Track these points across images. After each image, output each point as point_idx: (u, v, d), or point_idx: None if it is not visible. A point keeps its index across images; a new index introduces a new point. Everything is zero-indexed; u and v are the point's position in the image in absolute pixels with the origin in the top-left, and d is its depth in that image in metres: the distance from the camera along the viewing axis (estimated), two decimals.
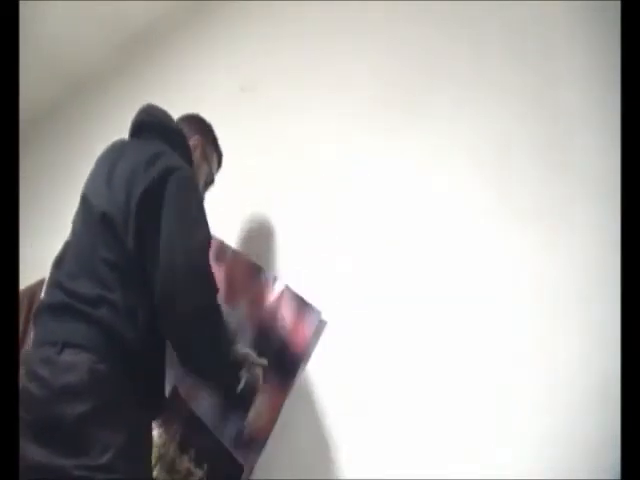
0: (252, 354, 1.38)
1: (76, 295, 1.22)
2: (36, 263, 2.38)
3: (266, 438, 1.35)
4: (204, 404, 1.52)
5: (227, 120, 2.05)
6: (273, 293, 1.53)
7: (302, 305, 1.43)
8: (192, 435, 1.52)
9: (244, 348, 1.39)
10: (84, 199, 1.40)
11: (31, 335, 1.28)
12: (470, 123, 1.36)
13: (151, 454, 1.25)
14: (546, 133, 1.23)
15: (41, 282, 2.48)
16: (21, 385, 1.16)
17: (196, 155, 1.58)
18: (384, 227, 1.42)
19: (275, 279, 1.55)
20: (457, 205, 1.31)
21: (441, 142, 1.39)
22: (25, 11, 1.83)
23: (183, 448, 1.51)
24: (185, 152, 1.50)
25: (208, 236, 1.34)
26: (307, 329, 1.40)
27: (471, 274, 1.23)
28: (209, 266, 1.28)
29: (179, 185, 1.29)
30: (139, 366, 1.20)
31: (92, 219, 1.32)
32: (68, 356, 1.15)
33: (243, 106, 2.03)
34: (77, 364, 1.14)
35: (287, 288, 1.50)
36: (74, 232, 1.38)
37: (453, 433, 1.12)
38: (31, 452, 1.08)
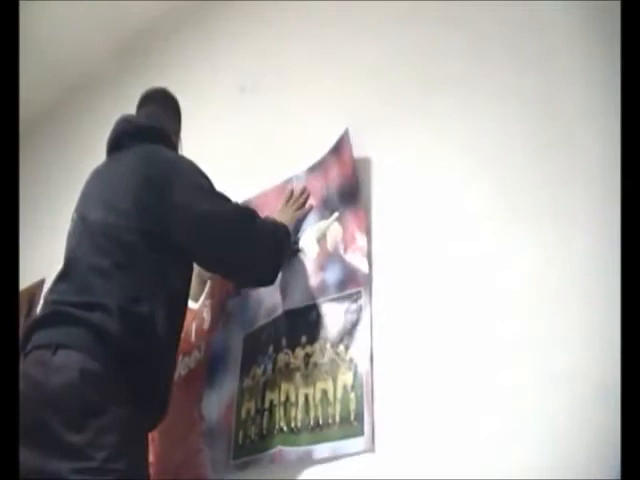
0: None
1: (67, 302, 1.24)
2: (36, 263, 2.38)
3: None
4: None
5: (227, 120, 2.06)
6: None
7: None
8: None
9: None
10: (80, 218, 1.41)
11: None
12: (470, 123, 1.36)
13: (147, 455, 1.24)
14: (546, 133, 1.23)
15: (41, 282, 2.47)
16: None
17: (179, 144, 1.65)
18: (381, 226, 1.42)
19: None
20: (456, 204, 1.31)
21: (441, 142, 1.40)
22: (25, 12, 1.83)
23: None
24: (169, 142, 1.55)
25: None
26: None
27: (470, 274, 1.23)
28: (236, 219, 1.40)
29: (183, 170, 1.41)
30: (135, 369, 1.19)
31: (89, 231, 1.35)
32: (61, 357, 1.15)
33: (243, 106, 2.03)
34: (69, 364, 1.14)
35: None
36: (70, 250, 1.38)
37: (452, 433, 1.12)
38: (25, 456, 1.06)
